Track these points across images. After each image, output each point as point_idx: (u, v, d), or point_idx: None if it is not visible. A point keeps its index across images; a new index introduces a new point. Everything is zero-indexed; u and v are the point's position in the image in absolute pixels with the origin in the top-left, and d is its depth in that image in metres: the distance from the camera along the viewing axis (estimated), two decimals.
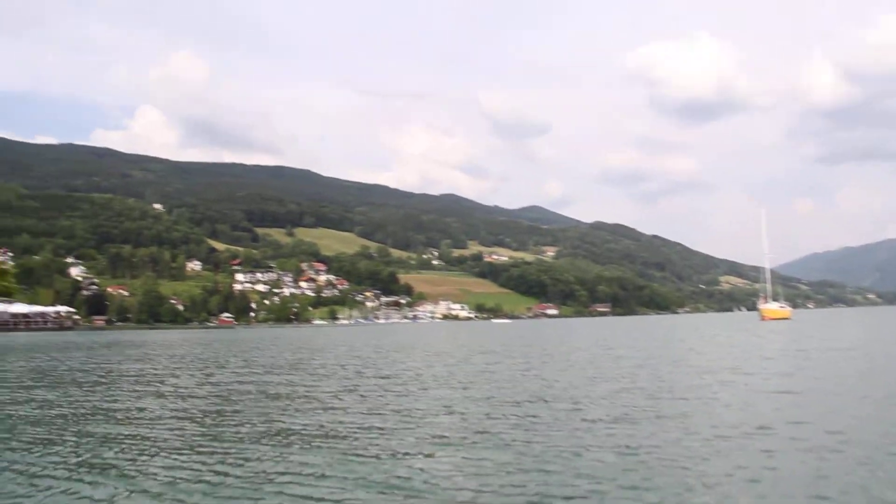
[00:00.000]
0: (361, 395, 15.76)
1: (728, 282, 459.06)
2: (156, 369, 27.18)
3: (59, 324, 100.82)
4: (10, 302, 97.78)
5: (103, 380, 22.17)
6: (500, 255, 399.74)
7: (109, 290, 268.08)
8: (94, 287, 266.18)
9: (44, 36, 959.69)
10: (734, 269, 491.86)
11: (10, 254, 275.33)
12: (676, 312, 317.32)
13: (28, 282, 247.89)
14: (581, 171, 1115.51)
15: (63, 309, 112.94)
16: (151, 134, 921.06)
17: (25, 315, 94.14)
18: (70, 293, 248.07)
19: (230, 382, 20.00)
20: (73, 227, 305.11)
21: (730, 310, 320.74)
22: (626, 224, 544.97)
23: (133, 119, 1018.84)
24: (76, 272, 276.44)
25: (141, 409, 14.60)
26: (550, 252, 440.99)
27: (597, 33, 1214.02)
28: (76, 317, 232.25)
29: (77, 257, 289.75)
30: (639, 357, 28.31)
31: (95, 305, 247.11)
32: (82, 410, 14.85)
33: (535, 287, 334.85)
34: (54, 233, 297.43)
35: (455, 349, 37.04)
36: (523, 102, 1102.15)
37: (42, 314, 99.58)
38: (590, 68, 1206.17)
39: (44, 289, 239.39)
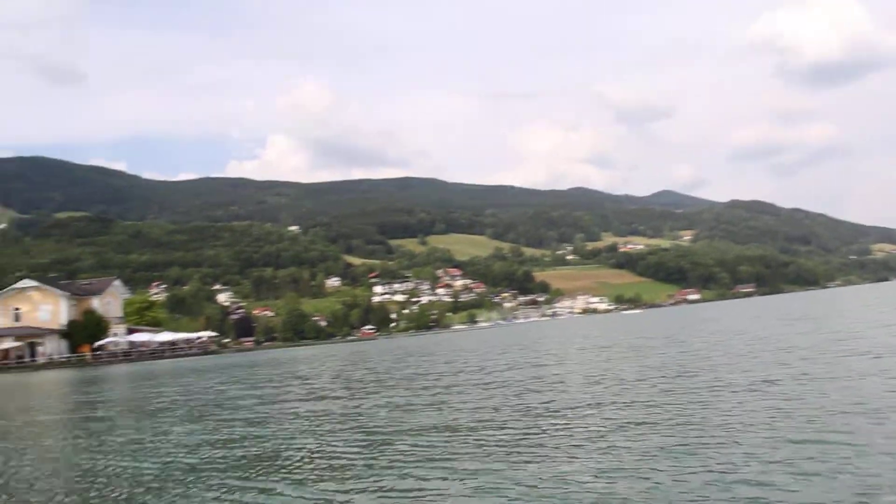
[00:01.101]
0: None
1: (882, 249, 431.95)
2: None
3: (203, 348, 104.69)
4: (157, 331, 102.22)
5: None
6: (636, 244, 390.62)
7: (255, 312, 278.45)
8: (241, 311, 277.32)
9: (180, 81, 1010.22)
10: (887, 235, 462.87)
11: (164, 286, 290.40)
12: (826, 287, 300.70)
13: (181, 311, 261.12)
14: (711, 150, 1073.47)
15: (206, 334, 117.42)
16: (282, 160, 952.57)
17: (172, 342, 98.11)
18: (219, 318, 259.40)
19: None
20: (217, 256, 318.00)
21: (885, 279, 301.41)
22: (763, 200, 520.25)
23: (265, 148, 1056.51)
24: (223, 298, 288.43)
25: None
26: (687, 236, 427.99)
27: (714, 6, 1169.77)
28: (226, 340, 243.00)
29: (223, 284, 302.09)
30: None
31: (243, 328, 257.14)
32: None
33: (674, 273, 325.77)
34: (201, 262, 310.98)
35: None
36: (645, 86, 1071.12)
37: (187, 340, 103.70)
38: (710, 43, 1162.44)
39: (194, 316, 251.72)
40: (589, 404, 11.96)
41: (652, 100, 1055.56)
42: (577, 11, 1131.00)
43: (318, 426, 12.82)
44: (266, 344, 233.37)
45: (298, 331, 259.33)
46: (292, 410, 15.97)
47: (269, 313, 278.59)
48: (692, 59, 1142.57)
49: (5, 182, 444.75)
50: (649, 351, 24.58)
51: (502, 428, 10.19)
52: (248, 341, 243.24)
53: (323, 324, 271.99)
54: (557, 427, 10.03)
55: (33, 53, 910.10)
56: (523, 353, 30.22)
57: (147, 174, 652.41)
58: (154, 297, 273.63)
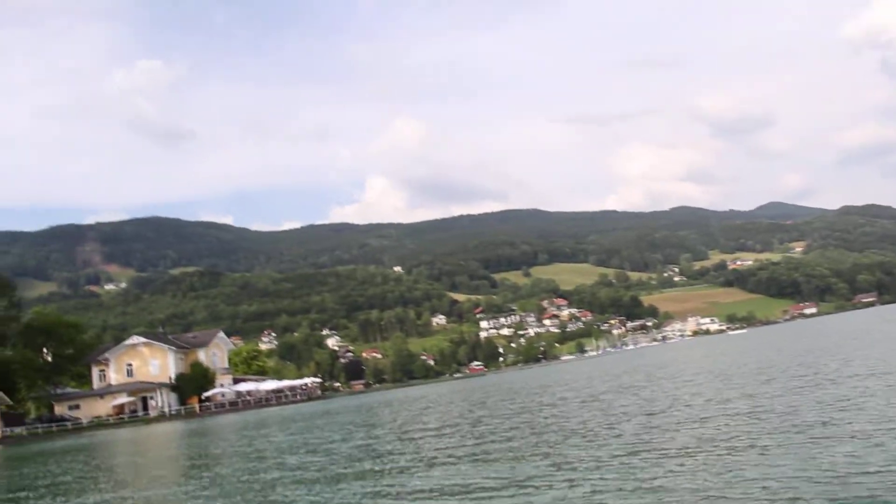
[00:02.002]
0: None
1: None
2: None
3: (308, 394, 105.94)
4: (262, 380, 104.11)
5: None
6: (745, 260, 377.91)
7: (364, 354, 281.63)
8: (350, 354, 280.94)
9: (280, 133, 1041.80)
10: None
11: (273, 334, 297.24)
12: None
13: (291, 357, 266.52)
14: (817, 155, 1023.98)
15: (309, 381, 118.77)
16: (382, 202, 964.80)
17: (277, 390, 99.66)
18: (329, 363, 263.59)
19: None
20: (323, 301, 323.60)
21: None
22: (879, 203, 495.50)
23: (364, 191, 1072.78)
24: (332, 342, 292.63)
25: None
26: (798, 248, 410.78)
27: (807, 5, 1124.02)
28: (336, 384, 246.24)
29: (331, 328, 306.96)
30: None
31: (353, 371, 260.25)
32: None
33: (787, 287, 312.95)
34: (308, 309, 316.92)
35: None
36: (742, 96, 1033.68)
37: (292, 387, 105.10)
38: (807, 46, 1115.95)
39: (304, 362, 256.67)
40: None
41: (749, 109, 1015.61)
42: (664, 24, 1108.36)
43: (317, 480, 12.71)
44: (376, 386, 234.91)
45: (407, 371, 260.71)
46: (311, 462, 15.86)
47: (377, 355, 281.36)
48: (789, 63, 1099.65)
49: (124, 243, 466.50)
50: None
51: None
52: (358, 384, 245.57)
53: (431, 362, 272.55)
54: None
55: (143, 118, 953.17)
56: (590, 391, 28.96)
57: (254, 226, 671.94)
58: (265, 346, 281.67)
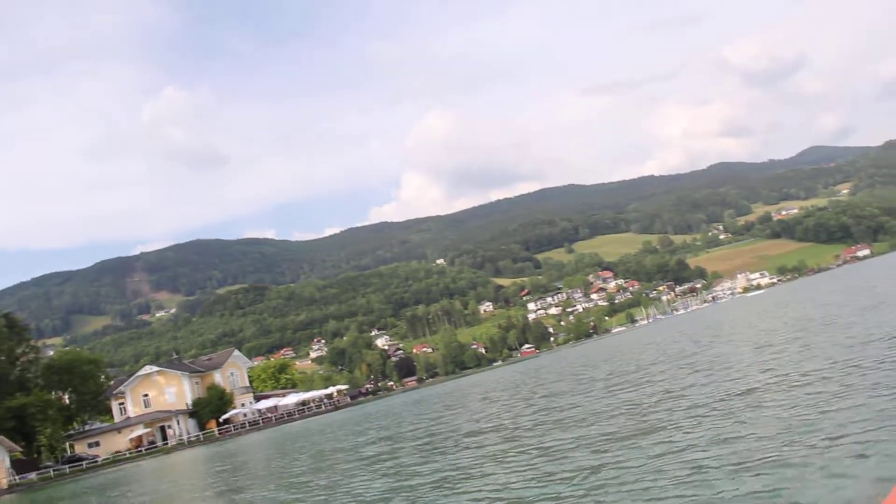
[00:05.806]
0: None
1: None
2: None
3: (335, 404, 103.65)
4: (283, 395, 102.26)
5: None
6: (790, 209, 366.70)
7: (415, 350, 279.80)
8: (400, 352, 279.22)
9: (311, 142, 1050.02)
10: None
11: (323, 341, 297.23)
12: None
13: (342, 362, 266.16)
14: (854, 92, 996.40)
15: (335, 389, 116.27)
16: (419, 197, 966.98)
17: (301, 403, 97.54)
18: (381, 363, 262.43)
19: None
20: (369, 303, 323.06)
21: None
22: None
23: (400, 189, 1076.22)
24: (381, 342, 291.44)
25: None
26: (844, 189, 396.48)
27: None
28: (390, 383, 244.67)
29: (379, 328, 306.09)
30: None
31: (404, 368, 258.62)
32: None
33: (836, 232, 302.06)
34: (355, 312, 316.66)
35: None
36: (770, 41, 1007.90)
37: (317, 399, 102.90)
38: None
39: (356, 365, 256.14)
40: None
41: (780, 53, 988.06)
42: None
43: None
44: (429, 381, 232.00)
45: (458, 362, 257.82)
46: None
47: (427, 349, 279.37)
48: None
49: (170, 269, 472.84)
50: None
51: None
52: (410, 381, 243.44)
53: (482, 351, 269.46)
54: None
55: (176, 147, 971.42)
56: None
57: (295, 237, 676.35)
58: (315, 353, 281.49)
